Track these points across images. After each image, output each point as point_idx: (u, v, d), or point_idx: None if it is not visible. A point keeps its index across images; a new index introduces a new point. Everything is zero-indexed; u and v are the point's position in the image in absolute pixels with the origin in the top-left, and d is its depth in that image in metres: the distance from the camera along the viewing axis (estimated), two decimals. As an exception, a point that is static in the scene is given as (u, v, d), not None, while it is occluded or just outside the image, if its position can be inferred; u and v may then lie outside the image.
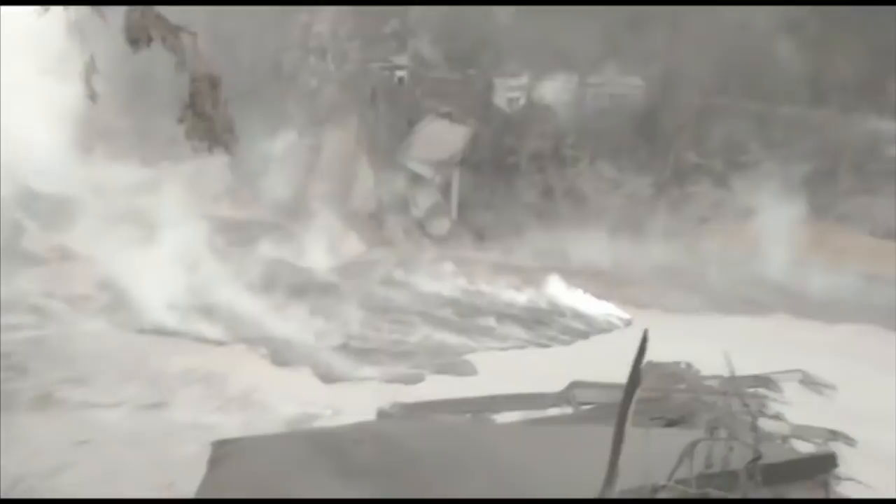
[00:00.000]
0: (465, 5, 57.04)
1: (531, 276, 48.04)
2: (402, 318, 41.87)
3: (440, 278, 47.82)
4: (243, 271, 43.26)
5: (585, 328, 43.58)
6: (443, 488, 12.12)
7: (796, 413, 28.14)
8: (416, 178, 56.40)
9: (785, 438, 23.65)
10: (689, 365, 30.58)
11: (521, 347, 40.28)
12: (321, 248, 48.61)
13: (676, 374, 28.53)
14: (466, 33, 59.99)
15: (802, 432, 25.62)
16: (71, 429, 26.79)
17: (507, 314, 43.89)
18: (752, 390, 28.12)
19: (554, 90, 61.11)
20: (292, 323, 39.57)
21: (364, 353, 36.80)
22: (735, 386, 8.96)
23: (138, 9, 7.45)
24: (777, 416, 27.55)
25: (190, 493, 14.27)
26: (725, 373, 9.50)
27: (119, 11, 7.33)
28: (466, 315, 43.26)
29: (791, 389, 32.00)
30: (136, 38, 7.36)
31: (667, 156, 58.17)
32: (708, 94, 58.19)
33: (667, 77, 58.90)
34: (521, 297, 46.47)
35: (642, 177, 57.86)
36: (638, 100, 60.99)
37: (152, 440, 26.16)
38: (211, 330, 36.98)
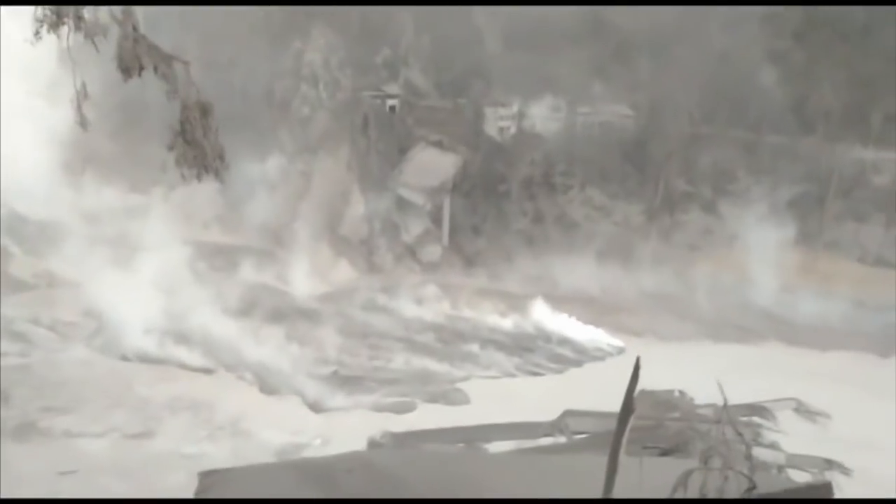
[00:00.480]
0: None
1: (520, 303, 48.02)
2: (393, 345, 41.57)
3: (426, 304, 47.66)
4: (231, 298, 42.96)
5: (577, 356, 43.41)
6: (435, 520, 11.89)
7: (791, 442, 27.96)
8: (407, 205, 56.53)
9: (781, 468, 23.43)
10: (682, 393, 30.37)
11: (512, 376, 40.03)
12: (311, 275, 48.41)
13: (670, 402, 28.28)
14: (457, 63, 60.74)
15: (798, 461, 25.39)
16: (55, 459, 26.14)
17: (491, 339, 43.72)
18: (746, 419, 27.93)
19: (544, 118, 61.78)
20: (279, 351, 39.21)
21: (353, 382, 36.42)
22: (729, 414, 8.84)
23: (131, 37, 7.43)
24: (772, 446, 27.30)
25: (175, 527, 13.94)
26: (719, 401, 9.35)
27: (111, 40, 7.32)
28: (450, 341, 43.07)
29: (785, 418, 31.83)
30: (127, 67, 7.33)
31: (656, 183, 58.68)
32: (695, 122, 59.00)
33: (654, 106, 59.68)
34: (507, 323, 46.35)
35: (633, 204, 58.28)
36: (627, 128, 61.71)
37: (139, 470, 25.55)
38: (198, 357, 36.54)
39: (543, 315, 47.28)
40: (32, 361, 33.50)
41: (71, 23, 7.09)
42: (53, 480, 24.69)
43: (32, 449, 26.95)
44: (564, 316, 46.95)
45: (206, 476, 14.88)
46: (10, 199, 41.67)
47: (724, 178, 54.69)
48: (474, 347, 42.62)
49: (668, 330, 45.89)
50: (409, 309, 46.82)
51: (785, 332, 45.34)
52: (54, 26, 6.95)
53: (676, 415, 25.07)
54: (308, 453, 27.08)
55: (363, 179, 56.09)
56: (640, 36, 56.70)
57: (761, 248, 50.17)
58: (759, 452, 21.32)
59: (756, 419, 28.68)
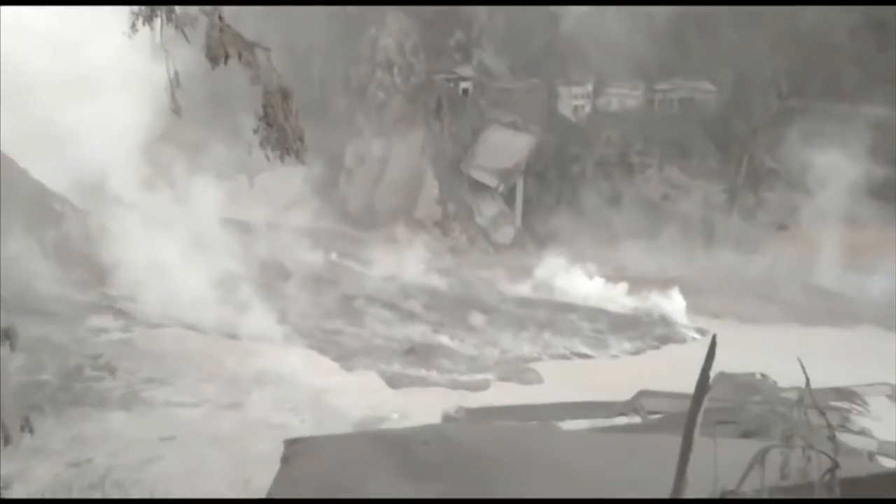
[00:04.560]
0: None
1: (599, 285, 47.47)
2: (477, 326, 42.04)
3: (513, 286, 47.89)
4: (311, 279, 44.62)
5: (653, 339, 42.52)
6: (507, 491, 12.16)
7: (885, 429, 26.50)
8: (480, 187, 56.69)
9: (871, 455, 22.39)
10: (764, 376, 29.43)
11: (587, 357, 39.76)
12: (388, 257, 49.48)
13: (751, 385, 27.52)
14: (531, 42, 60.03)
15: (891, 449, 24.14)
16: (157, 426, 28.19)
17: (556, 320, 43.44)
18: (834, 404, 26.73)
19: (620, 96, 60.27)
20: (358, 329, 40.48)
21: (429, 359, 37.19)
22: (812, 396, 8.57)
23: (217, 27, 7.92)
24: (863, 432, 26.06)
25: (264, 489, 14.89)
26: (803, 384, 9.04)
27: (200, 31, 7.81)
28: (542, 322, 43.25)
29: (878, 404, 30.17)
30: (215, 55, 7.82)
31: (740, 161, 56.25)
32: (783, 95, 56.03)
33: (738, 80, 57.03)
34: (578, 302, 45.94)
35: (714, 183, 56.15)
36: (708, 104, 59.34)
37: (230, 438, 27.21)
38: (283, 335, 38.29)
39: (616, 296, 46.57)
40: (134, 336, 36.09)
41: (163, 15, 7.60)
42: (155, 445, 26.69)
43: (136, 417, 29.16)
44: (640, 298, 46.06)
45: (292, 444, 15.73)
46: (109, 184, 44.87)
47: (814, 153, 51.63)
48: (549, 326, 42.56)
49: (751, 312, 44.16)
50: (495, 290, 47.32)
51: (881, 316, 42.67)
52: (148, 19, 7.46)
53: (758, 398, 24.33)
54: (386, 427, 27.98)
55: (437, 162, 56.60)
56: (724, 7, 54.18)
57: (855, 226, 47.26)
58: (849, 438, 20.42)
59: (845, 404, 27.38)
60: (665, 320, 44.25)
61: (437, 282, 47.69)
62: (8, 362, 24.11)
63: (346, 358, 36.59)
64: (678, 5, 54.48)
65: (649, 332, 42.93)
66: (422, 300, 44.80)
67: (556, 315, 44.12)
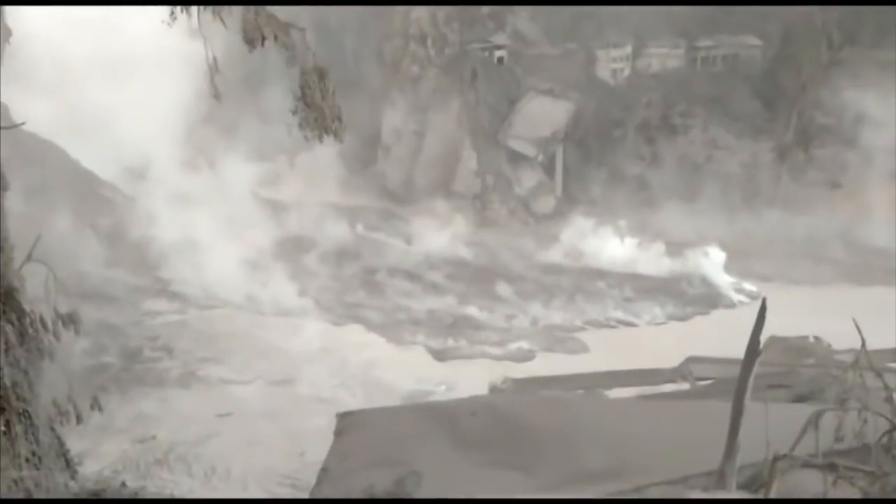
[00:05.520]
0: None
1: (632, 247, 46.86)
2: (504, 296, 42.02)
3: (542, 253, 47.60)
4: (353, 256, 45.23)
5: (700, 304, 41.81)
6: (555, 460, 12.33)
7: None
8: (518, 158, 56.10)
9: (932, 417, 21.68)
10: (818, 339, 28.76)
11: (631, 325, 39.39)
12: (428, 231, 49.67)
13: (804, 348, 26.93)
14: (565, 5, 58.52)
15: (954, 412, 23.32)
16: (213, 403, 29.32)
17: (637, 287, 42.97)
18: (892, 365, 25.97)
19: (660, 57, 58.55)
20: (402, 304, 40.97)
21: (474, 331, 37.44)
22: (868, 358, 8.36)
23: (252, 9, 8.00)
24: (923, 395, 25.24)
25: (319, 462, 15.45)
26: (859, 346, 8.83)
27: (236, 15, 7.89)
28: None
29: (940, 365, 29.15)
30: (251, 38, 7.92)
31: (788, 118, 54.17)
32: (834, 46, 53.48)
33: (786, 32, 54.65)
34: (626, 270, 45.30)
35: (761, 142, 54.29)
36: (754, 59, 57.16)
37: (284, 413, 28.13)
38: (330, 313, 39.07)
39: (652, 258, 45.85)
40: (188, 318, 37.40)
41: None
42: (213, 421, 27.84)
43: (193, 394, 30.41)
44: (678, 260, 45.26)
45: (344, 417, 16.23)
46: (155, 168, 46.10)
47: (868, 107, 49.26)
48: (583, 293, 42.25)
49: (801, 274, 42.97)
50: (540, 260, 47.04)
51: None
52: (187, 4, 7.56)
53: (811, 361, 23.82)
54: (433, 399, 28.39)
55: (474, 134, 56.15)
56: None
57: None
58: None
59: (904, 365, 26.50)
60: (705, 281, 43.39)
61: (463, 251, 47.64)
62: (72, 345, 25.28)
63: (390, 330, 37.17)
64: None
65: (686, 293, 42.23)
66: (445, 270, 44.86)
67: (586, 282, 43.66)
